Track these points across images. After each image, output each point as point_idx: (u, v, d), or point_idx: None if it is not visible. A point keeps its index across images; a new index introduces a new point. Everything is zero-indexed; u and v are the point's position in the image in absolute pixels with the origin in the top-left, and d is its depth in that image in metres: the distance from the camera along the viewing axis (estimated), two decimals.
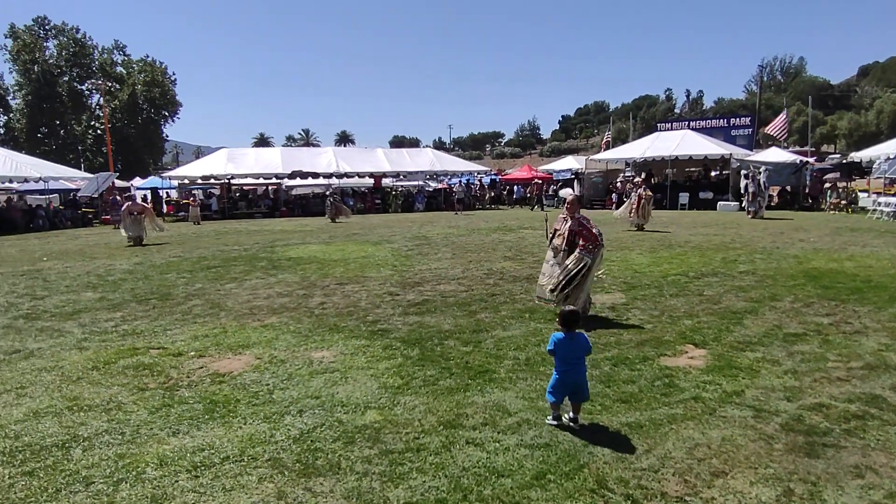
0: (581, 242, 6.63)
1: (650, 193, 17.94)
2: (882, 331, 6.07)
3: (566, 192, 6.98)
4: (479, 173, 40.20)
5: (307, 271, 10.80)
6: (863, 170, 30.04)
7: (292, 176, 31.98)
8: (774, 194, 27.80)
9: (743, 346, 5.71)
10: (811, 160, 31.73)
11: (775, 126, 35.35)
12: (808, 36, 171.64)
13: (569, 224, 6.74)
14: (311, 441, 3.87)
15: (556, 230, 6.97)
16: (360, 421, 4.17)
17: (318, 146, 78.19)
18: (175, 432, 4.05)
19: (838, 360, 5.22)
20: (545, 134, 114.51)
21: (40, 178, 26.51)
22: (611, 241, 14.10)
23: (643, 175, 18.39)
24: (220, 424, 4.16)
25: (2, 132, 53.79)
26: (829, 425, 3.94)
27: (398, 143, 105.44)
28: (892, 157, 22.30)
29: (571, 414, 4.02)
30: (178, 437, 3.97)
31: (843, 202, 23.76)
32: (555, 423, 4.00)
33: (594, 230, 6.71)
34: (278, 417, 4.26)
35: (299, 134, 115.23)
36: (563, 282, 6.56)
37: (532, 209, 31.73)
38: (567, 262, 6.63)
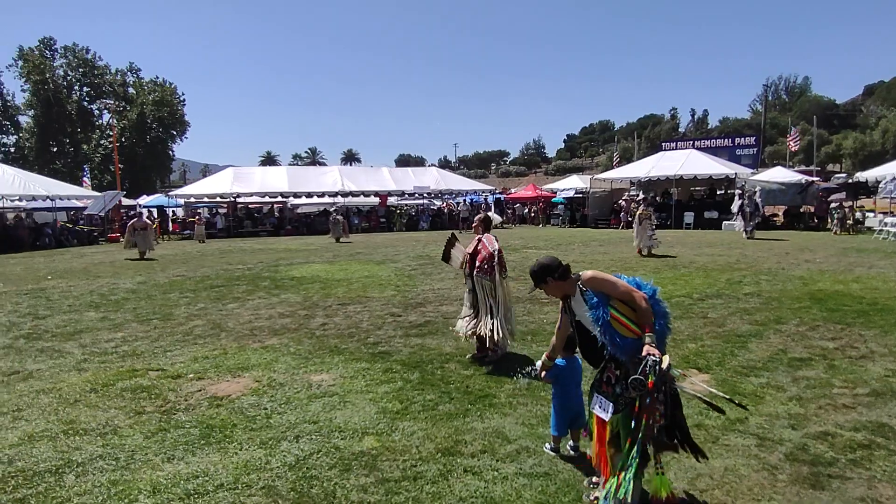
0: (477, 264, 6.04)
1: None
2: (889, 356, 5.98)
3: (496, 219, 6.74)
4: (483, 192, 40.32)
5: (310, 291, 10.79)
6: (869, 189, 29.95)
7: (298, 195, 32.16)
8: (780, 213, 27.72)
9: (747, 370, 5.63)
10: (817, 179, 31.70)
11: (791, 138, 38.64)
12: (814, 55, 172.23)
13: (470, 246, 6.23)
14: (307, 468, 3.82)
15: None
16: (358, 447, 4.11)
17: (325, 164, 78.80)
18: (170, 458, 4.00)
19: (844, 387, 5.13)
20: (550, 153, 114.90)
21: (48, 197, 26.77)
22: (615, 263, 14.06)
23: (640, 195, 18.18)
24: (215, 450, 4.11)
25: (12, 151, 54.49)
26: (834, 455, 3.86)
27: (404, 161, 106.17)
28: None
29: (572, 442, 3.96)
30: (173, 464, 3.92)
31: (850, 222, 23.63)
32: (553, 453, 3.93)
33: (489, 247, 5.98)
34: (275, 443, 4.21)
35: (306, 153, 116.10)
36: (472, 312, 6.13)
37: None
38: (478, 292, 6.09)
